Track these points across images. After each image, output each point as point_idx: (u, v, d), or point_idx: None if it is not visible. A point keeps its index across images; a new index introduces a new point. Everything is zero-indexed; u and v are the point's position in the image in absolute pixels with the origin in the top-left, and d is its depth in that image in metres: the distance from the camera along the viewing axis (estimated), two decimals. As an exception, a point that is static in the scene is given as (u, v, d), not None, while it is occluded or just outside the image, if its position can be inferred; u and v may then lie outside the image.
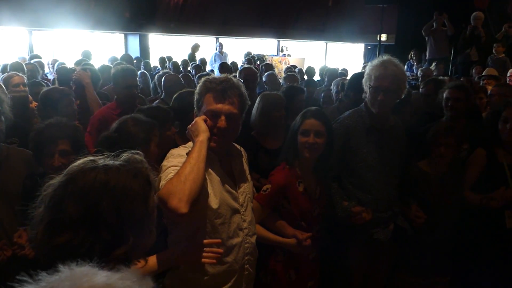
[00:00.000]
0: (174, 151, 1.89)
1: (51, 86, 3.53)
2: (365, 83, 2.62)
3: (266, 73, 5.76)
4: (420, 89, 4.24)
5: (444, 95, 3.36)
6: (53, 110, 3.07)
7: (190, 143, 1.88)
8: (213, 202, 1.85)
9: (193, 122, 1.84)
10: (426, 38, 9.61)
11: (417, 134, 3.00)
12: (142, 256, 1.17)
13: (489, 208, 2.72)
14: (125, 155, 1.13)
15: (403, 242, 2.79)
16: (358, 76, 3.61)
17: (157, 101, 4.49)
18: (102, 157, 1.10)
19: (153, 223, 1.13)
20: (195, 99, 1.91)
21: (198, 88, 1.90)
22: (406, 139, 2.81)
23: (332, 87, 4.37)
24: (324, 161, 2.43)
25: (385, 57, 2.60)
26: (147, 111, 2.65)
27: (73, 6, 9.58)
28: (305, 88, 4.28)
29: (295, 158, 2.40)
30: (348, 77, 4.96)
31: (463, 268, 2.94)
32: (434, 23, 9.44)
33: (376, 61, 2.59)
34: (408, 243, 2.81)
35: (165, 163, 1.81)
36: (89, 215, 0.99)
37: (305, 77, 7.71)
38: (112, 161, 1.09)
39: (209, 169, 1.85)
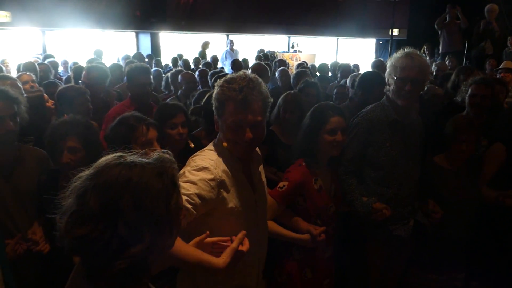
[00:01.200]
0: (195, 162, 1.76)
1: (67, 84, 3.55)
2: (389, 75, 2.58)
3: (278, 69, 5.76)
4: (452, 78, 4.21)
5: (470, 90, 3.23)
6: (69, 108, 3.10)
7: (210, 148, 1.83)
8: (236, 206, 1.79)
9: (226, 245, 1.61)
10: (439, 31, 9.49)
11: (434, 128, 2.97)
12: (159, 258, 1.13)
13: (504, 206, 2.67)
14: (155, 154, 1.13)
15: (420, 238, 2.77)
16: (367, 76, 3.60)
17: (172, 97, 4.51)
18: (131, 153, 1.11)
19: (175, 225, 1.11)
20: (214, 106, 1.79)
21: (216, 93, 1.77)
22: (425, 135, 2.78)
23: (348, 83, 4.34)
24: (339, 156, 2.43)
25: (407, 49, 2.57)
26: (157, 109, 2.70)
27: (85, 6, 9.69)
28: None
29: (313, 155, 2.38)
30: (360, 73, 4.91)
31: (479, 264, 2.91)
32: (447, 16, 9.33)
33: (400, 52, 2.55)
34: (425, 239, 2.79)
35: (182, 178, 1.65)
36: (109, 210, 1.00)
37: (317, 74, 7.68)
38: (140, 159, 1.09)
39: (232, 176, 1.79)
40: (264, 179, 2.06)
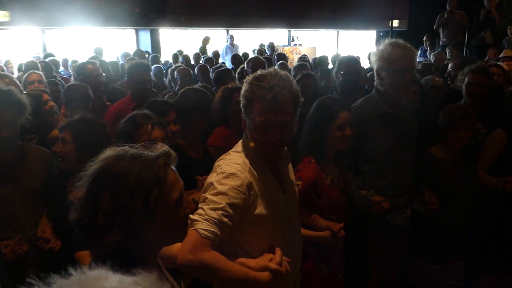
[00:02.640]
0: (221, 168, 1.68)
1: (71, 83, 3.59)
2: (382, 68, 2.57)
3: (277, 63, 5.79)
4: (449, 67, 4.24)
5: (466, 79, 3.26)
6: (71, 105, 3.14)
7: (236, 150, 1.78)
8: (266, 210, 1.73)
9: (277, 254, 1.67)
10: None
11: (434, 119, 2.99)
12: (152, 250, 1.18)
13: (504, 192, 2.70)
14: (158, 148, 1.17)
15: (418, 227, 2.80)
16: (343, 59, 3.64)
17: (169, 94, 4.55)
18: (135, 147, 1.16)
19: (159, 219, 1.11)
20: (241, 104, 1.73)
21: (244, 91, 1.70)
22: (417, 124, 2.81)
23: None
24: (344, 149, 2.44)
25: (389, 40, 2.59)
26: (148, 105, 2.70)
27: (84, 3, 9.71)
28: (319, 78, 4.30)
29: (322, 151, 2.37)
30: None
31: (478, 252, 2.94)
32: (445, 14, 9.22)
33: (385, 45, 2.55)
34: (423, 229, 2.82)
35: (211, 190, 1.63)
36: (92, 200, 1.07)
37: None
38: (139, 151, 1.14)
39: (261, 178, 1.74)
40: (293, 177, 2.00)
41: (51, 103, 3.46)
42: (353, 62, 3.55)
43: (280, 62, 5.80)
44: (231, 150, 1.82)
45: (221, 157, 1.79)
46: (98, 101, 3.79)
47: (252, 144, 1.75)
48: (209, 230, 1.53)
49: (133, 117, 2.27)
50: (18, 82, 3.06)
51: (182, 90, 3.08)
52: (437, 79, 4.24)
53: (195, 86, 3.72)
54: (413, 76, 2.59)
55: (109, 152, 1.13)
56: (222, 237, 1.59)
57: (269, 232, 1.75)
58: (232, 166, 1.67)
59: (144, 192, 1.08)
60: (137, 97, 3.47)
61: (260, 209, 1.71)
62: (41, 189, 2.39)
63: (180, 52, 9.13)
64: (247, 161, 1.72)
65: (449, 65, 4.38)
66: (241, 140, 1.82)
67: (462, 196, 2.79)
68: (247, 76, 1.75)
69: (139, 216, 1.07)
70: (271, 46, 10.48)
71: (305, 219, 2.28)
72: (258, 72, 1.72)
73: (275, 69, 1.74)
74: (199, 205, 1.59)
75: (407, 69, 2.51)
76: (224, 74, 4.54)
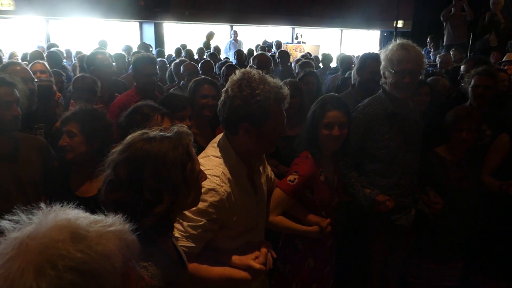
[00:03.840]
0: (206, 172, 1.65)
1: (80, 74, 3.59)
2: (386, 68, 2.59)
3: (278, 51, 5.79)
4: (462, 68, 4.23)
5: (473, 81, 3.27)
6: (78, 96, 3.14)
7: (215, 154, 1.79)
8: (238, 215, 1.78)
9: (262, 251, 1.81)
10: (444, 23, 9.45)
11: (435, 119, 3.00)
12: (180, 214, 1.37)
13: (508, 195, 2.71)
14: (174, 129, 1.32)
15: (421, 227, 2.81)
16: (363, 56, 3.57)
17: (175, 88, 4.54)
18: (154, 130, 1.30)
19: (193, 187, 1.32)
20: (251, 117, 1.67)
21: (255, 102, 1.66)
22: (423, 124, 2.81)
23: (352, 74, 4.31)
24: (342, 148, 2.42)
25: (399, 40, 2.59)
26: (165, 98, 2.70)
27: (89, -5, 9.69)
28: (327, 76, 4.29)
29: (317, 148, 2.37)
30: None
31: (479, 256, 2.95)
32: (452, 9, 9.28)
33: (393, 45, 2.56)
34: (426, 229, 2.83)
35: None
36: (135, 179, 1.21)
37: (321, 65, 7.69)
38: (160, 133, 1.29)
39: (237, 183, 1.76)
40: (263, 179, 2.01)
41: (58, 94, 3.47)
42: (376, 60, 3.48)
43: (281, 50, 5.78)
44: (209, 151, 1.81)
45: (200, 161, 1.75)
46: (108, 92, 3.79)
47: (230, 153, 1.78)
48: (190, 246, 1.63)
49: (139, 108, 2.24)
50: (30, 71, 3.05)
51: (191, 83, 3.11)
52: (444, 79, 4.23)
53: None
54: (414, 80, 2.54)
55: (134, 137, 1.27)
56: (202, 245, 1.69)
57: (238, 232, 1.81)
58: (211, 179, 1.67)
59: (181, 165, 1.26)
60: (142, 91, 3.46)
61: (235, 215, 1.75)
62: (38, 180, 2.37)
63: (183, 46, 9.13)
64: (226, 170, 1.73)
65: (462, 67, 4.36)
66: (219, 140, 1.82)
67: (466, 197, 2.80)
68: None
69: (181, 186, 1.26)
70: (278, 44, 10.44)
71: (297, 214, 2.32)
72: (242, 80, 1.68)
73: (249, 71, 1.72)
74: (180, 219, 1.57)
75: (407, 71, 2.50)
76: (231, 69, 4.57)
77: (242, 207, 1.77)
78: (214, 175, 1.69)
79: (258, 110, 1.65)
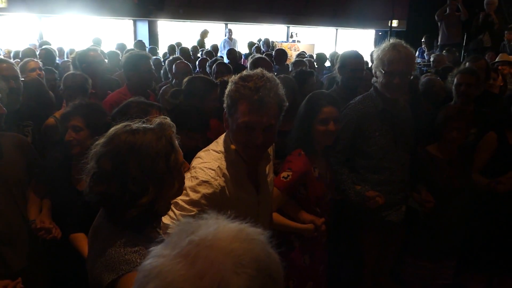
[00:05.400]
0: (196, 173, 1.70)
1: (71, 71, 3.57)
2: (377, 68, 2.63)
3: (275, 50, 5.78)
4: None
5: (456, 80, 3.36)
6: (71, 93, 3.14)
7: (215, 149, 1.78)
8: (234, 212, 1.76)
9: None
10: (439, 23, 9.51)
11: (426, 118, 3.03)
12: (167, 207, 1.38)
13: (496, 192, 2.75)
14: (156, 120, 1.34)
15: (413, 224, 2.84)
16: (344, 54, 3.60)
17: (166, 85, 4.54)
18: (137, 122, 1.31)
19: (177, 178, 1.34)
20: (226, 103, 1.70)
21: (230, 90, 1.67)
22: (414, 123, 2.84)
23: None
24: (334, 144, 2.45)
25: (392, 40, 2.62)
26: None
27: (82, -8, 9.64)
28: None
29: (310, 144, 2.39)
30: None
31: (470, 251, 2.98)
32: (447, 8, 9.34)
33: (385, 45, 2.59)
34: (418, 227, 2.86)
35: (184, 197, 1.63)
36: (119, 171, 1.23)
37: (315, 64, 7.70)
38: (143, 125, 1.30)
39: (235, 180, 1.75)
40: (271, 176, 2.01)
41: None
42: (359, 58, 3.53)
43: (278, 49, 5.78)
44: (211, 146, 1.82)
45: (200, 154, 1.81)
46: (102, 89, 3.77)
47: (233, 146, 1.74)
48: None
49: (135, 103, 2.23)
50: (16, 68, 3.03)
51: (187, 78, 3.15)
52: (437, 79, 4.25)
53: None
54: (403, 81, 2.56)
55: (117, 129, 1.28)
56: None
57: None
58: (206, 172, 1.69)
59: (165, 156, 1.27)
60: (135, 88, 3.44)
61: (229, 210, 1.71)
62: (23, 179, 2.36)
63: (178, 44, 9.10)
64: (223, 165, 1.73)
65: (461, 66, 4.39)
66: (222, 137, 1.82)
67: (458, 196, 2.83)
68: (233, 76, 1.71)
69: (165, 177, 1.27)
70: (267, 43, 10.43)
71: (291, 212, 2.34)
72: (244, 72, 1.69)
73: (262, 70, 1.69)
74: (172, 207, 1.60)
75: (397, 73, 2.53)
76: (223, 68, 4.57)
77: (238, 203, 1.75)
78: (210, 168, 1.70)
79: (229, 98, 1.68)
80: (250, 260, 0.68)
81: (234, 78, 1.69)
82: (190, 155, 1.98)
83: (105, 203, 1.27)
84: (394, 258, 3.03)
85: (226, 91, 1.69)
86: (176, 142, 1.35)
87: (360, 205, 2.60)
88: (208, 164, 1.72)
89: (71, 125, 2.25)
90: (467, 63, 4.11)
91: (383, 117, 2.67)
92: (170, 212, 1.60)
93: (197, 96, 2.94)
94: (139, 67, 3.45)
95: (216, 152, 1.77)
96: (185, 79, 3.14)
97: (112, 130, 1.29)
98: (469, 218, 2.91)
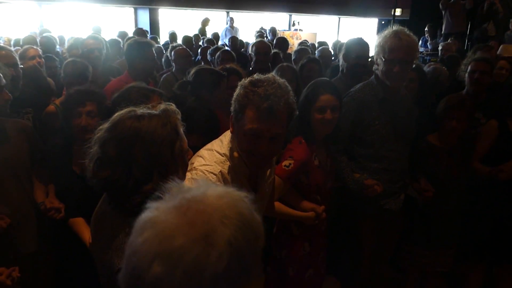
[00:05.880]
0: (196, 174, 1.63)
1: (71, 59, 3.57)
2: (378, 55, 2.61)
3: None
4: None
5: (469, 67, 3.33)
6: (71, 81, 3.14)
7: (218, 149, 1.72)
8: None
9: None
10: (443, 12, 9.43)
11: (428, 107, 3.03)
12: None
13: (497, 180, 2.76)
14: (161, 106, 1.32)
15: (412, 213, 2.86)
16: (349, 43, 3.57)
17: (167, 73, 4.53)
18: (141, 107, 1.30)
19: (181, 165, 1.34)
20: (233, 107, 1.65)
21: (238, 95, 1.62)
22: (416, 111, 2.83)
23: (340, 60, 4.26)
24: (334, 132, 2.44)
25: (395, 27, 2.59)
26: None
27: (82, -21, 9.58)
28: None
29: (310, 132, 2.39)
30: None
31: (469, 241, 3.00)
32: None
33: (388, 32, 2.56)
34: (416, 215, 2.88)
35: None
36: (124, 157, 1.22)
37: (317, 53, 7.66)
38: (148, 111, 1.28)
39: (234, 183, 1.68)
40: (272, 178, 1.99)
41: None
42: (361, 44, 3.50)
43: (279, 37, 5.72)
44: (215, 145, 1.77)
45: (202, 153, 1.75)
46: (102, 77, 3.76)
47: (236, 154, 1.70)
48: None
49: (135, 88, 2.22)
50: (15, 56, 3.03)
51: (195, 69, 3.11)
52: (443, 68, 4.23)
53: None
54: (404, 69, 2.54)
55: (121, 115, 1.28)
56: None
57: None
58: (208, 176, 1.63)
59: (170, 143, 1.27)
60: (136, 75, 3.42)
61: None
62: (28, 163, 2.40)
63: (173, 34, 8.94)
64: (225, 169, 1.68)
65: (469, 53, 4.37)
66: (228, 137, 1.77)
67: (457, 185, 2.85)
68: (243, 80, 1.64)
69: (169, 164, 1.27)
70: (273, 31, 10.39)
71: (292, 200, 2.35)
72: (255, 76, 1.63)
73: (274, 76, 1.64)
74: None
75: (398, 61, 2.51)
76: (227, 54, 4.55)
77: None
78: (212, 173, 1.65)
79: (236, 102, 1.62)
80: (235, 214, 0.77)
81: (244, 81, 1.63)
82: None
83: (109, 188, 1.27)
84: (392, 246, 3.05)
85: (235, 94, 1.64)
86: (181, 129, 1.34)
87: (359, 193, 2.61)
88: (210, 167, 1.66)
89: (87, 110, 2.29)
90: (477, 52, 4.10)
91: (383, 106, 2.66)
92: None
93: (206, 88, 2.94)
94: (142, 55, 3.43)
95: (220, 154, 1.72)
96: (192, 71, 3.13)
97: (116, 115, 1.28)
98: (468, 206, 2.92)
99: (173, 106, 1.36)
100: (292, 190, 2.37)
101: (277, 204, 2.26)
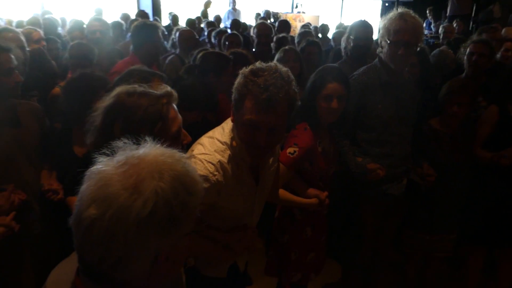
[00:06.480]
0: (195, 164, 1.61)
1: (77, 41, 3.56)
2: (382, 37, 2.59)
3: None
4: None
5: (468, 49, 3.31)
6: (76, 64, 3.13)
7: (218, 137, 1.71)
8: (230, 204, 1.75)
9: (246, 234, 1.79)
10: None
11: (431, 91, 3.01)
12: None
13: (499, 166, 2.76)
14: (164, 89, 1.37)
15: (414, 198, 2.86)
16: (354, 25, 3.55)
17: (172, 56, 4.51)
18: (145, 86, 1.35)
19: (169, 139, 1.31)
20: (233, 96, 1.63)
21: (238, 83, 1.60)
22: (419, 95, 2.82)
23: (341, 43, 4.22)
24: (339, 118, 2.41)
25: (400, 9, 2.57)
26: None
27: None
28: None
29: (315, 119, 2.37)
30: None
31: (470, 224, 3.01)
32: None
33: (392, 14, 2.54)
34: (419, 200, 2.89)
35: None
36: (106, 128, 1.29)
37: (320, 35, 7.61)
38: (145, 90, 1.34)
39: (235, 174, 1.70)
40: (275, 166, 1.98)
41: None
42: (364, 26, 3.47)
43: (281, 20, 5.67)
44: (217, 133, 1.75)
45: (202, 140, 1.74)
46: (107, 60, 3.75)
47: (235, 143, 1.69)
48: None
49: (137, 71, 2.18)
50: (22, 38, 3.01)
51: (202, 53, 3.14)
52: (448, 50, 4.19)
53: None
54: (409, 52, 2.52)
55: (121, 88, 1.34)
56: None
57: (229, 216, 1.80)
58: (206, 166, 1.62)
59: (150, 124, 1.29)
60: (142, 58, 3.39)
61: (225, 202, 1.72)
62: (38, 145, 2.42)
63: (175, 16, 8.84)
64: (225, 158, 1.67)
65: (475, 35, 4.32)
66: (230, 125, 1.74)
67: (459, 170, 2.85)
68: (244, 68, 1.62)
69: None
70: (268, 14, 10.21)
71: (295, 186, 2.36)
72: (257, 64, 1.60)
73: (276, 64, 1.60)
74: None
75: (402, 43, 2.49)
76: (235, 38, 4.53)
77: (235, 195, 1.74)
78: (210, 162, 1.63)
79: (236, 91, 1.61)
80: (167, 171, 0.87)
81: (244, 70, 1.60)
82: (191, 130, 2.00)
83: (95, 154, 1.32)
84: (393, 231, 3.07)
85: (236, 82, 1.62)
86: (173, 112, 1.37)
87: (361, 177, 2.62)
88: (209, 157, 1.65)
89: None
90: (483, 34, 4.05)
91: (386, 89, 2.64)
92: None
93: (213, 72, 2.93)
94: (150, 37, 3.41)
95: (221, 143, 1.70)
96: (199, 54, 3.12)
97: (118, 88, 1.35)
98: (470, 191, 2.93)
99: (173, 91, 1.39)
100: (296, 176, 2.36)
101: (281, 191, 2.26)
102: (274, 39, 4.68)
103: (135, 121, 1.28)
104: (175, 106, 1.40)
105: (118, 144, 0.92)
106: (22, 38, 2.99)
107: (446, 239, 3.02)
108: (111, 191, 0.82)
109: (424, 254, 3.11)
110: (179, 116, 1.41)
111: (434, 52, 4.03)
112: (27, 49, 3.00)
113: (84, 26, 4.18)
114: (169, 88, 1.38)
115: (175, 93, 1.39)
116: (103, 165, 0.88)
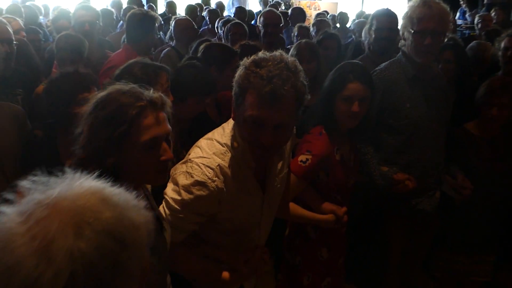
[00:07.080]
0: (192, 169, 1.66)
1: (65, 32, 3.57)
2: (405, 28, 2.58)
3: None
4: None
5: (503, 44, 3.30)
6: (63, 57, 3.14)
7: (218, 139, 1.74)
8: (233, 215, 1.77)
9: (255, 254, 1.80)
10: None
11: (468, 90, 2.98)
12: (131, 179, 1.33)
13: None
14: (156, 94, 1.40)
15: (447, 214, 2.83)
16: (376, 14, 3.54)
17: (167, 49, 4.51)
18: (143, 87, 1.39)
19: (128, 152, 1.35)
20: (234, 91, 1.62)
21: (239, 75, 1.59)
22: (453, 94, 2.79)
23: (363, 35, 3.99)
24: (361, 123, 2.35)
25: None
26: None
27: None
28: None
29: (333, 123, 2.33)
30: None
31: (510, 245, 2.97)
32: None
33: (415, 1, 2.54)
34: (452, 216, 2.85)
35: (175, 196, 1.67)
36: (91, 127, 1.33)
37: (338, 25, 7.60)
38: (137, 89, 1.37)
39: (237, 180, 1.71)
40: (284, 171, 1.96)
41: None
42: (387, 15, 3.46)
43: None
44: (216, 134, 1.77)
45: (201, 143, 1.76)
46: (97, 52, 3.76)
47: (236, 144, 1.69)
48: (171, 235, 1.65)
49: (143, 64, 2.26)
50: (10, 30, 3.01)
51: (203, 44, 3.18)
52: (487, 44, 4.13)
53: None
54: (436, 41, 2.51)
55: (116, 85, 1.39)
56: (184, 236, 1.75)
57: (232, 230, 1.81)
58: (204, 171, 1.63)
59: (113, 125, 1.31)
60: (137, 50, 3.42)
61: (227, 213, 1.73)
62: (16, 152, 2.37)
63: (172, 5, 8.87)
64: (226, 162, 1.68)
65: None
66: (231, 125, 1.75)
67: (499, 181, 2.80)
68: (245, 58, 1.62)
69: (101, 144, 1.31)
70: (264, 2, 10.15)
71: (308, 200, 2.33)
72: (260, 54, 1.58)
73: (282, 53, 1.58)
74: (163, 204, 1.70)
75: (429, 32, 2.48)
76: (239, 27, 4.51)
77: (239, 205, 1.74)
78: (208, 166, 1.64)
79: (237, 85, 1.62)
80: (90, 220, 0.74)
81: (245, 61, 1.60)
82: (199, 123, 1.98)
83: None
84: (424, 252, 3.04)
85: (236, 75, 1.61)
86: (149, 120, 1.35)
87: (387, 190, 2.58)
88: (207, 160, 1.66)
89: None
90: None
91: (414, 86, 2.62)
92: (161, 209, 1.66)
93: (215, 65, 2.94)
94: (147, 29, 3.44)
95: (220, 144, 1.71)
96: (202, 46, 3.13)
97: (116, 84, 1.41)
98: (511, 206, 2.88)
99: (166, 99, 1.43)
100: (309, 188, 2.33)
101: (292, 205, 2.24)
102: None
103: (100, 118, 1.32)
104: (162, 116, 1.39)
105: (24, 183, 0.80)
106: (10, 30, 2.98)
107: (484, 262, 2.98)
108: (12, 259, 0.69)
109: (459, 279, 3.07)
110: (163, 128, 1.38)
111: (471, 45, 3.99)
112: (14, 42, 3.00)
113: (71, 14, 4.18)
114: (157, 95, 1.39)
115: (164, 101, 1.40)
116: (5, 216, 0.74)
